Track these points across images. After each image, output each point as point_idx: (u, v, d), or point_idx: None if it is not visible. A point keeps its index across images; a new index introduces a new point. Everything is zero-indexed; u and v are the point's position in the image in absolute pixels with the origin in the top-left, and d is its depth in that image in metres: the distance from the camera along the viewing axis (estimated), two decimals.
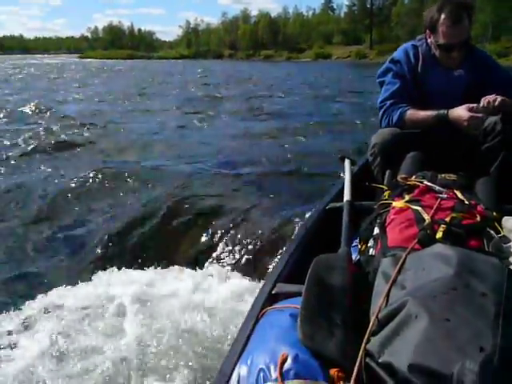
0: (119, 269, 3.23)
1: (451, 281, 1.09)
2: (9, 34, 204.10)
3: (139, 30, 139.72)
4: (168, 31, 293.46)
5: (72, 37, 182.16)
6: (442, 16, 2.49)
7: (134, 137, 8.10)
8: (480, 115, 2.36)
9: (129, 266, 3.28)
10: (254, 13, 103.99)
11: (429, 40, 2.65)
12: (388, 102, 2.70)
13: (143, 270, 3.24)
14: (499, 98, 2.31)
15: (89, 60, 79.43)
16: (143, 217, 4.10)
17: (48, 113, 10.81)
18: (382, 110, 2.73)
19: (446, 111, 2.46)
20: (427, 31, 2.64)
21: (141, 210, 4.29)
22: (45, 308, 2.76)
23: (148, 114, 11.21)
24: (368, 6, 79.51)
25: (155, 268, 3.25)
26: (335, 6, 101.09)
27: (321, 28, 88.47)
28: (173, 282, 2.98)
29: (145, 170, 5.71)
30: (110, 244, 3.66)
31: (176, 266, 3.25)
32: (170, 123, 9.70)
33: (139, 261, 3.42)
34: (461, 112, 2.39)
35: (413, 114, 2.60)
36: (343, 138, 7.42)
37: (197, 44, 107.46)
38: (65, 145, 7.35)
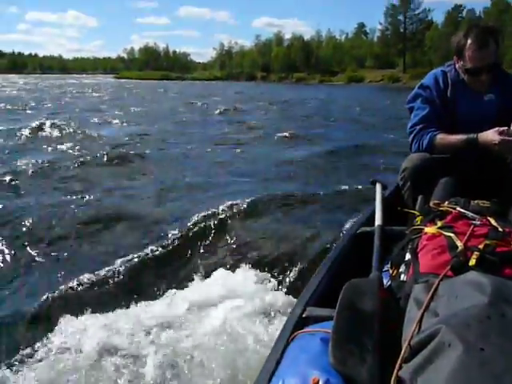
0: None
1: (485, 309, 1.07)
2: (48, 55, 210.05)
3: (174, 51, 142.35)
4: (202, 53, 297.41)
5: (109, 57, 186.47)
6: (469, 41, 2.53)
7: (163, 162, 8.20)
8: (511, 139, 2.34)
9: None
10: (288, 36, 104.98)
11: (457, 65, 2.67)
12: (418, 127, 2.71)
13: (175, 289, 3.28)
14: None
15: (124, 80, 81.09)
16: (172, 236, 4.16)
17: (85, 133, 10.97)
18: (412, 134, 2.74)
19: (475, 135, 2.46)
20: (455, 57, 2.67)
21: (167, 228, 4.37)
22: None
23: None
24: (401, 30, 79.37)
25: (178, 289, 3.28)
26: (368, 31, 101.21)
27: (354, 52, 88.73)
28: (201, 304, 2.98)
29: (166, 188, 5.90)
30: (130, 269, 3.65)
31: (203, 286, 3.28)
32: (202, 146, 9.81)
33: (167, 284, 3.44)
34: (491, 135, 2.38)
35: (442, 138, 2.60)
36: (376, 161, 7.39)
37: (230, 66, 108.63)
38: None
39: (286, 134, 11.27)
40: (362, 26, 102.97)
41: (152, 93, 34.36)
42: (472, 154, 2.56)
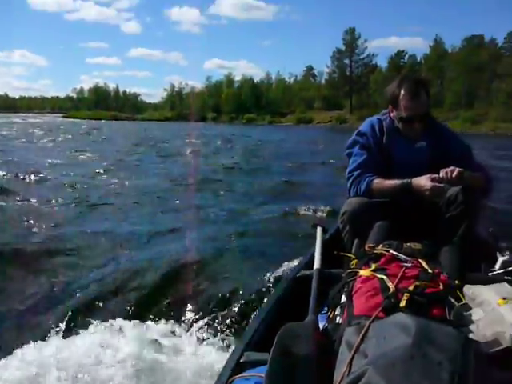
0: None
1: (410, 350, 1.12)
2: None
3: (124, 91, 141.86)
4: (153, 93, 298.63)
5: (57, 97, 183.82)
6: (402, 91, 2.68)
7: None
8: (442, 185, 2.47)
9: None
10: (238, 77, 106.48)
11: (391, 114, 2.82)
12: (355, 173, 2.80)
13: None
14: (456, 170, 2.42)
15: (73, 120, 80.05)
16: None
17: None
18: (350, 180, 2.82)
19: (409, 180, 2.57)
20: (390, 106, 2.81)
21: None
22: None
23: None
24: (348, 73, 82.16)
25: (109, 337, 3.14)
26: (316, 73, 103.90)
27: (302, 93, 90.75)
28: (134, 346, 2.90)
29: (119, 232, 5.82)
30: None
31: (139, 329, 3.20)
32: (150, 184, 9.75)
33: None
34: (423, 181, 2.51)
35: (379, 183, 2.71)
36: (321, 203, 7.52)
37: (181, 107, 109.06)
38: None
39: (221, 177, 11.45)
40: (310, 68, 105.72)
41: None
42: (407, 198, 2.68)
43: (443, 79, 66.04)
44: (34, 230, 5.93)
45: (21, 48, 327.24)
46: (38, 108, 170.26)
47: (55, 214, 6.81)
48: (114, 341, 2.96)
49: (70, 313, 3.45)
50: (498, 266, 2.39)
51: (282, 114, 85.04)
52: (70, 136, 29.76)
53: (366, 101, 74.33)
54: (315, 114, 78.52)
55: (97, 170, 11.71)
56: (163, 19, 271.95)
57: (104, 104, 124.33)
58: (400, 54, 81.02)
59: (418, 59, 77.09)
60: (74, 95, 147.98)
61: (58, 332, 3.23)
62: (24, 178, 10.02)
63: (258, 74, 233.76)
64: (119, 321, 3.25)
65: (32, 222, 6.27)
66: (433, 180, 2.48)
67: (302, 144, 25.63)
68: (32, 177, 10.11)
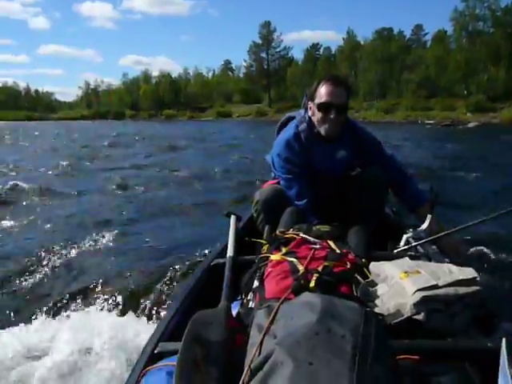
0: None
1: (314, 327, 1.16)
2: None
3: (36, 90, 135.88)
4: (68, 92, 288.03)
5: None
6: (322, 82, 2.70)
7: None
8: None
9: None
10: (155, 73, 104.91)
11: (309, 112, 2.81)
12: (302, 203, 2.78)
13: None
14: None
15: None
16: None
17: None
18: (302, 208, 2.78)
19: None
20: (309, 103, 2.80)
21: None
22: None
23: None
24: (265, 67, 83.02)
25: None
26: (234, 67, 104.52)
27: (221, 88, 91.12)
28: (48, 340, 2.86)
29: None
30: None
31: (56, 323, 3.17)
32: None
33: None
34: None
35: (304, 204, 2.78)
36: (235, 193, 7.60)
37: (97, 105, 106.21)
38: None
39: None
40: (228, 62, 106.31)
41: None
42: (318, 184, 2.78)
43: (357, 70, 68.18)
44: None
45: None
46: None
47: None
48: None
49: None
50: (402, 243, 2.51)
51: (201, 108, 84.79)
52: None
53: (284, 93, 75.52)
54: (234, 108, 78.81)
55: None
56: (74, 14, 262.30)
57: (14, 104, 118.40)
58: (315, 46, 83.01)
59: (333, 51, 79.19)
60: None
61: None
62: None
63: (175, 70, 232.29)
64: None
65: None
66: None
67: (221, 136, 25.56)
68: None
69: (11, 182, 8.90)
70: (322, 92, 2.67)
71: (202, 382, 1.21)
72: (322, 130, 2.75)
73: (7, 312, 3.40)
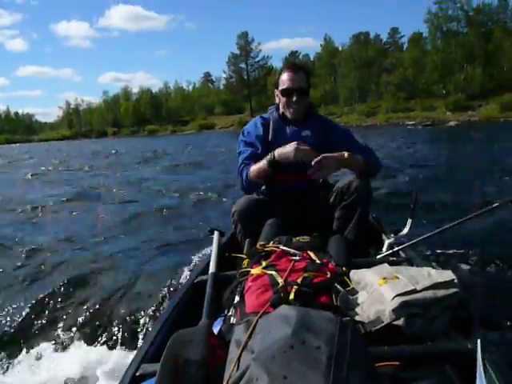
0: None
1: (289, 339, 1.16)
2: None
3: (16, 113, 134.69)
4: (48, 112, 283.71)
5: None
6: (284, 70, 2.96)
7: None
8: (307, 147, 2.60)
9: None
10: (136, 89, 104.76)
11: (276, 99, 3.04)
12: (240, 168, 2.93)
13: None
14: (320, 157, 2.54)
15: None
16: None
17: None
18: (238, 175, 2.96)
19: (273, 153, 2.70)
20: (275, 91, 3.02)
21: None
22: None
23: None
24: (245, 77, 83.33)
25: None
26: (214, 79, 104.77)
27: (202, 100, 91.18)
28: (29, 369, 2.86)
29: None
30: None
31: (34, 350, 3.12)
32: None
33: None
34: (288, 147, 2.64)
35: (252, 168, 2.83)
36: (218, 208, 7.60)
37: (79, 124, 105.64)
38: None
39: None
40: (208, 75, 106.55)
41: None
42: (292, 193, 2.81)
43: (336, 76, 68.67)
44: None
45: None
46: None
47: None
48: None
49: None
50: (384, 248, 2.53)
51: (183, 122, 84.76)
52: None
53: (266, 102, 75.61)
54: (217, 120, 78.88)
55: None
56: (51, 35, 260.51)
57: None
58: (294, 54, 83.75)
59: (312, 58, 79.70)
60: None
61: None
62: None
63: (156, 85, 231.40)
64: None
65: None
66: (298, 144, 2.61)
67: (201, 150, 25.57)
68: None
69: None
70: (284, 79, 2.93)
71: None
72: (287, 113, 2.98)
73: None
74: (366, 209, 2.86)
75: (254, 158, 2.88)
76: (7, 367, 2.98)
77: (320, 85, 65.65)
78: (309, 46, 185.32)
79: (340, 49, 71.51)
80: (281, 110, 3.01)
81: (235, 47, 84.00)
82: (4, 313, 3.72)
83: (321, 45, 74.85)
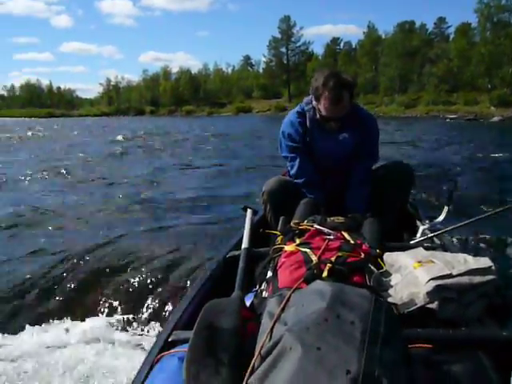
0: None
1: (324, 313, 1.18)
2: None
3: (58, 87, 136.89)
4: (89, 89, 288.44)
5: None
6: (325, 93, 2.70)
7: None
8: None
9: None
10: (175, 69, 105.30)
11: (313, 102, 2.85)
12: (301, 181, 2.93)
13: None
14: None
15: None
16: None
17: None
18: (301, 186, 2.93)
19: None
20: (313, 96, 2.84)
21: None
22: None
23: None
24: (285, 61, 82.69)
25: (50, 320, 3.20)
26: (254, 62, 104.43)
27: (241, 83, 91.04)
28: (66, 333, 2.95)
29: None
30: None
31: (73, 317, 3.22)
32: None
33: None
34: None
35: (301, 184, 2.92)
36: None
37: (118, 101, 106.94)
38: None
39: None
40: (247, 58, 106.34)
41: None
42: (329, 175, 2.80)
43: (378, 65, 67.48)
44: None
45: None
46: None
47: None
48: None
49: None
50: (418, 234, 2.50)
51: (220, 104, 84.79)
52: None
53: (304, 88, 75.07)
54: (254, 103, 78.68)
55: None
56: (95, 12, 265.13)
57: (38, 101, 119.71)
58: (335, 41, 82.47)
59: (354, 45, 78.59)
60: (5, 93, 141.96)
61: None
62: None
63: (195, 66, 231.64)
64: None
65: None
66: None
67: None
68: None
69: None
70: (324, 105, 2.74)
71: (213, 367, 1.22)
72: (325, 126, 2.87)
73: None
74: (405, 194, 2.86)
75: (305, 166, 2.93)
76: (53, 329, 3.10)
77: (360, 73, 64.70)
78: (351, 33, 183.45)
79: (383, 37, 70.15)
80: (317, 113, 2.86)
81: (277, 31, 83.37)
82: (46, 277, 3.87)
83: (364, 32, 73.64)
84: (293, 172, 2.96)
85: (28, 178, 9.74)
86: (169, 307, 3.17)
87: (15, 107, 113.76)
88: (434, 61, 60.54)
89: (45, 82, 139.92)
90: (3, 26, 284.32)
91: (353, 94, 2.78)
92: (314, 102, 2.84)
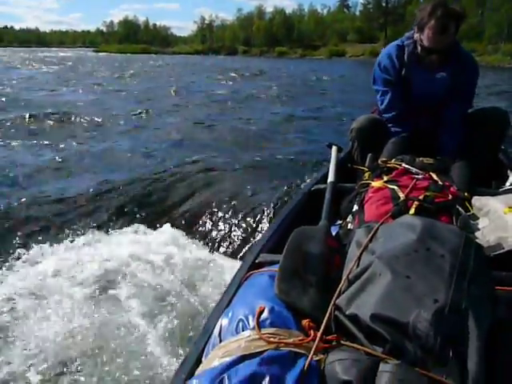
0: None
1: (414, 244, 1.22)
2: (25, 27, 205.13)
3: (154, 24, 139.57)
4: (183, 26, 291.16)
5: (88, 31, 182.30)
6: (432, 22, 2.52)
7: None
8: None
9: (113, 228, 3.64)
10: (269, 9, 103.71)
11: (415, 35, 2.70)
12: (390, 115, 2.85)
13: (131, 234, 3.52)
14: None
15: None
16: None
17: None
18: (386, 119, 2.87)
19: None
20: (416, 27, 2.69)
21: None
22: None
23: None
24: (383, 4, 78.98)
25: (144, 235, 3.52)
26: (350, 4, 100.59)
27: (335, 26, 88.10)
28: (163, 253, 3.15)
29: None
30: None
31: (166, 236, 3.48)
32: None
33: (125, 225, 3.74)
34: None
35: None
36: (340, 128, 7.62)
37: (211, 40, 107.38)
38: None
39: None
40: (344, 0, 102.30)
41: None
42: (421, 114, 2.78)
43: (484, 9, 62.75)
44: None
45: None
46: (69, 42, 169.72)
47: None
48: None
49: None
50: (508, 182, 2.42)
51: (314, 46, 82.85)
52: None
53: (402, 33, 70.81)
54: (348, 47, 76.19)
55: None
56: None
57: (134, 37, 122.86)
58: None
59: None
60: (104, 29, 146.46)
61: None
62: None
63: (289, 6, 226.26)
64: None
65: None
66: None
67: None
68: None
69: None
70: (427, 35, 2.57)
71: (301, 287, 1.30)
72: (425, 61, 2.71)
73: None
74: (499, 140, 2.75)
75: (397, 101, 2.84)
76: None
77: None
78: None
79: None
80: (418, 45, 2.69)
81: None
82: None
83: None
84: (382, 107, 2.88)
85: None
86: (255, 233, 3.34)
87: (113, 43, 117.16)
88: None
89: (141, 19, 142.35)
90: None
91: (459, 27, 2.60)
92: (415, 35, 2.70)
